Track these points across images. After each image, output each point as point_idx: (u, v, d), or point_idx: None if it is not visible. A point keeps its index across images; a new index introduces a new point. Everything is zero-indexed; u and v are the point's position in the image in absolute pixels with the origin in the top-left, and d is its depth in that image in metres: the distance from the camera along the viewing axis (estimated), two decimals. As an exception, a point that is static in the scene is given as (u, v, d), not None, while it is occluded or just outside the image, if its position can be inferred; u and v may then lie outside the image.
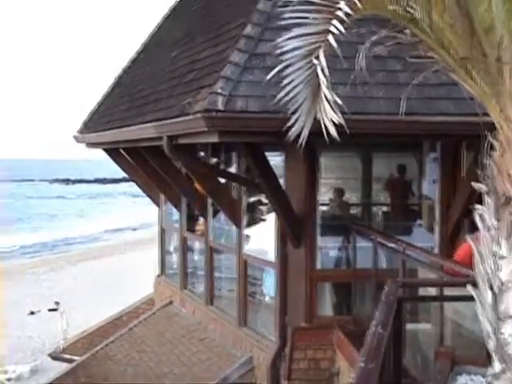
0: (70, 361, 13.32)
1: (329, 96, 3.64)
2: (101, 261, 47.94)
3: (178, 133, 8.23)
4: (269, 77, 4.14)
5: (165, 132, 8.53)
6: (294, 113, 3.97)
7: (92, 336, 14.04)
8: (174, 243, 13.66)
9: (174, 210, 12.96)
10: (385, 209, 9.84)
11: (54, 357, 14.72)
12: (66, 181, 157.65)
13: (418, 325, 7.20)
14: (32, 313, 35.14)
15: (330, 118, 3.70)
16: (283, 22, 3.77)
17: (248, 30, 7.76)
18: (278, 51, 3.76)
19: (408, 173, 9.56)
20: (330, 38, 3.61)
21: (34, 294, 38.80)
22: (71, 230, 72.33)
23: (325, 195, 9.18)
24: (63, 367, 13.51)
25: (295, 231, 8.66)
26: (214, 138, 7.41)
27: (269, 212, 9.67)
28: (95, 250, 55.78)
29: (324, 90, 3.65)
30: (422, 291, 6.77)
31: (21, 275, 46.73)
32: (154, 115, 9.19)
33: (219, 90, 7.12)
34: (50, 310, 34.11)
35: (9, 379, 24.94)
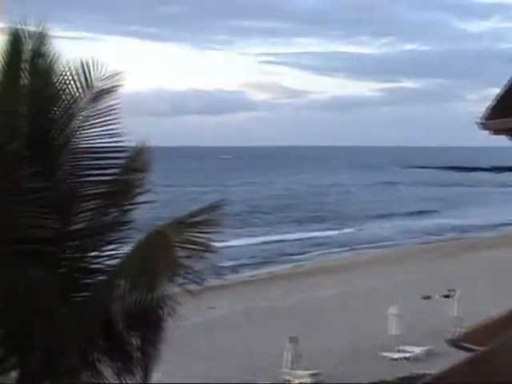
0: (468, 349, 13.16)
1: None
2: (497, 250, 46.71)
3: None
4: None
5: None
6: None
7: (492, 326, 13.69)
8: None
9: None
10: None
11: (452, 343, 14.69)
12: (460, 168, 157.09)
13: None
14: (425, 297, 35.66)
15: None
16: None
17: None
18: None
19: None
20: None
21: (427, 279, 39.37)
22: (466, 218, 71.86)
23: None
24: (459, 355, 13.40)
25: None
26: None
27: None
28: (492, 239, 54.55)
29: None
30: None
31: (415, 260, 47.78)
32: None
33: None
34: (443, 297, 34.25)
35: (405, 358, 25.69)
